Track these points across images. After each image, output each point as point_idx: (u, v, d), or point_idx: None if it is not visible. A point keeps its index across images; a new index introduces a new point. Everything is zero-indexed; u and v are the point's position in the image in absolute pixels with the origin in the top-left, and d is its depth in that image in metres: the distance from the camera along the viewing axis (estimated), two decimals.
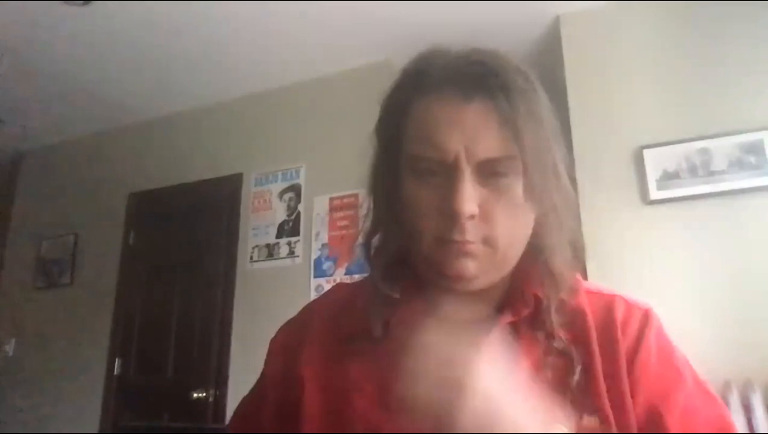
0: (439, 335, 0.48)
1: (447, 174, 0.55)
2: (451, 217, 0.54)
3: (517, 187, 0.56)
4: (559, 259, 0.60)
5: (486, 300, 0.62)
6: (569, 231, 0.62)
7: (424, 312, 0.61)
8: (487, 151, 0.55)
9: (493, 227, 0.55)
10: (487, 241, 0.56)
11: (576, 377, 0.55)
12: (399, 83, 0.62)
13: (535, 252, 0.61)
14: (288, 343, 0.67)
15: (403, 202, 0.59)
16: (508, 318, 0.58)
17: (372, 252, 0.65)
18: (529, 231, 0.60)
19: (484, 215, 0.55)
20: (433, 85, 0.58)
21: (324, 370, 0.61)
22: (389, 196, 0.61)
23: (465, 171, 0.55)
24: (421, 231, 0.57)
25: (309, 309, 0.71)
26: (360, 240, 0.66)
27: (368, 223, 0.65)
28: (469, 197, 0.54)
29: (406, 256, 0.62)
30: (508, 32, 2.81)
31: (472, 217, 0.54)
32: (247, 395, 0.70)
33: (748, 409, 1.91)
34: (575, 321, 0.60)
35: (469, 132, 0.55)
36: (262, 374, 0.68)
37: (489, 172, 0.55)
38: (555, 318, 0.58)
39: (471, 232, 0.55)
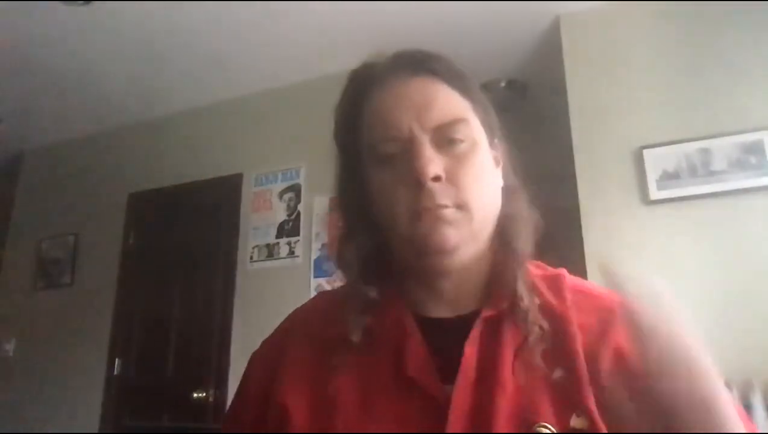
0: None
1: (406, 148, 0.56)
2: (417, 184, 0.55)
3: (477, 153, 0.58)
4: (527, 247, 0.61)
5: (466, 297, 0.61)
6: (532, 220, 0.63)
7: (404, 314, 0.60)
8: (439, 116, 0.57)
9: (461, 189, 0.56)
10: (460, 206, 0.56)
11: (560, 371, 0.54)
12: (347, 87, 0.65)
13: (506, 242, 0.61)
14: (269, 356, 0.65)
15: (373, 194, 0.60)
16: (488, 312, 0.58)
17: (345, 258, 0.64)
18: (499, 201, 0.61)
19: (451, 179, 0.56)
20: (378, 77, 0.61)
21: (306, 386, 0.59)
22: (359, 198, 0.62)
23: (421, 137, 0.56)
24: (395, 214, 0.57)
25: (290, 319, 0.70)
26: (333, 251, 0.66)
27: (341, 233, 0.65)
28: (430, 159, 0.55)
29: (383, 256, 0.62)
30: (508, 32, 2.81)
31: (438, 178, 0.55)
32: (228, 412, 0.67)
33: (748, 409, 1.91)
34: (555, 313, 0.59)
35: (418, 102, 0.58)
36: (241, 392, 0.66)
37: (445, 139, 0.57)
38: (534, 310, 0.57)
39: (441, 195, 0.55)
